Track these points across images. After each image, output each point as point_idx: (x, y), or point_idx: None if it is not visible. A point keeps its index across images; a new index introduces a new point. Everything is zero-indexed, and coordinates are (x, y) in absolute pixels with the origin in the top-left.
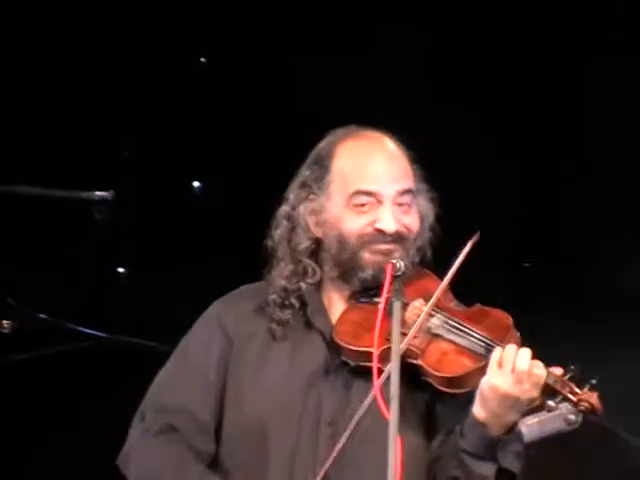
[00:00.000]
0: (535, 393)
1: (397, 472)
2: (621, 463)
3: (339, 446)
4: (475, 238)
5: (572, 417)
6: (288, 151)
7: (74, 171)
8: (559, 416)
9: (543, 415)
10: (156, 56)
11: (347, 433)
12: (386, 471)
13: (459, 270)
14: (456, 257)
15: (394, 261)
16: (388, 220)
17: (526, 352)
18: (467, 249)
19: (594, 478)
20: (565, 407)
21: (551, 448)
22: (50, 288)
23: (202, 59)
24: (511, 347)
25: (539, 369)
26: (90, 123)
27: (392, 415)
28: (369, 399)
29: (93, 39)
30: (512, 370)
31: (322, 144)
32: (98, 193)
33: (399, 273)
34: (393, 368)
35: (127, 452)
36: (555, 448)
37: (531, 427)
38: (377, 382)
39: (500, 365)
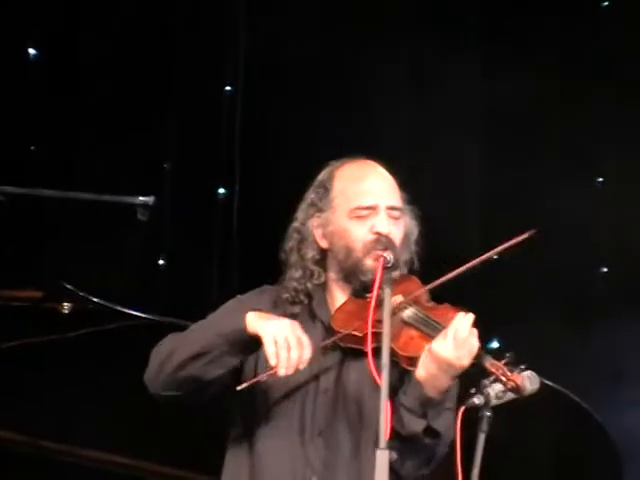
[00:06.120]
0: (467, 361)
1: (387, 430)
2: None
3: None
4: (472, 264)
5: (501, 394)
6: None
7: (121, 180)
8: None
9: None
10: None
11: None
12: (370, 428)
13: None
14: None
15: (385, 255)
16: (383, 224)
17: (468, 319)
18: (458, 271)
19: (542, 435)
20: (525, 374)
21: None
22: (102, 276)
23: None
24: (459, 317)
25: (474, 339)
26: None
27: (383, 382)
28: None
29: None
30: (454, 338)
31: (322, 173)
32: (141, 198)
33: (389, 265)
34: (384, 343)
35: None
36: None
37: (498, 392)
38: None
39: (445, 335)
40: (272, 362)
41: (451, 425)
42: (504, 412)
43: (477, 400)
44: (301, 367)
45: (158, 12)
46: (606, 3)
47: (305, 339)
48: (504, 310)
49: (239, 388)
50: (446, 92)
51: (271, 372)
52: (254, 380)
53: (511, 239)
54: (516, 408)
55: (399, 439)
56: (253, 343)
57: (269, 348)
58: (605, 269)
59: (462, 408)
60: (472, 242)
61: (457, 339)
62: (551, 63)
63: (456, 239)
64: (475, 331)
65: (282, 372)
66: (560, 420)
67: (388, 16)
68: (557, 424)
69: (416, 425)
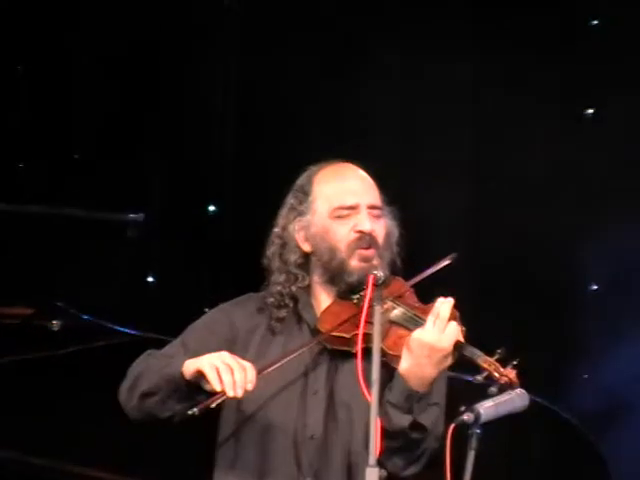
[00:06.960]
0: (448, 344)
1: (377, 446)
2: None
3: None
4: (448, 260)
5: (494, 389)
6: None
7: (111, 197)
8: (510, 400)
9: (497, 399)
10: None
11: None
12: (360, 429)
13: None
14: (425, 269)
15: (375, 272)
16: (365, 222)
17: (449, 302)
18: (437, 267)
19: (533, 452)
20: (515, 392)
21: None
22: (91, 293)
23: None
24: (438, 301)
25: (455, 323)
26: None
27: (373, 397)
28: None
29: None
30: (435, 321)
31: (301, 178)
32: (131, 215)
33: (379, 282)
34: (374, 359)
35: (134, 377)
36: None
37: (488, 409)
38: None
39: (425, 323)
40: (217, 387)
41: (439, 420)
42: (494, 429)
43: (467, 417)
44: (249, 387)
45: (152, 24)
46: (595, 22)
47: (245, 362)
48: (497, 329)
49: (190, 412)
50: (441, 90)
51: (220, 397)
52: (202, 406)
53: (433, 265)
54: (506, 425)
55: (386, 436)
56: (192, 389)
57: (211, 375)
58: (595, 286)
59: (452, 425)
60: (462, 243)
61: (438, 321)
62: (548, 62)
63: (445, 241)
64: (457, 315)
65: (231, 394)
66: (550, 437)
67: (388, 15)
68: (547, 441)
69: (402, 420)
